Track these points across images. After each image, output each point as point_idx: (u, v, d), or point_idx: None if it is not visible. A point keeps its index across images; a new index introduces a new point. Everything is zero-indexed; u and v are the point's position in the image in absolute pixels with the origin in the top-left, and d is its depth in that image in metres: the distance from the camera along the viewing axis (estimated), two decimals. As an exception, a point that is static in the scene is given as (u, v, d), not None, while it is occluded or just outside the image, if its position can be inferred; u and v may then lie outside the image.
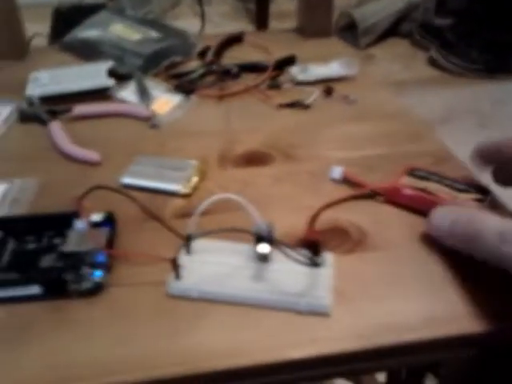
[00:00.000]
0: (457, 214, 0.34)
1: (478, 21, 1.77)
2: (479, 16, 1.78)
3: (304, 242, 0.34)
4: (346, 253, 0.35)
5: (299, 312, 0.31)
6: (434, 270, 0.34)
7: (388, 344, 0.30)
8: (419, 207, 0.37)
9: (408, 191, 0.37)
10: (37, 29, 0.66)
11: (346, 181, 0.41)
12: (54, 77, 0.54)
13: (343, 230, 0.37)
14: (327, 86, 0.53)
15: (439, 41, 1.82)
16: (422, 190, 0.37)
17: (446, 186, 0.37)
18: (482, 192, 0.37)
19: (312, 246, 0.33)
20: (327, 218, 0.38)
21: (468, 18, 1.81)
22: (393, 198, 0.38)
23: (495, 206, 0.38)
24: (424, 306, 0.31)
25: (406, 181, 0.38)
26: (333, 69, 0.56)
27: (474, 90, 1.68)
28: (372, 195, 0.39)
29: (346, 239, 0.36)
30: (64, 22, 1.35)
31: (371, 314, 0.31)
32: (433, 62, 1.82)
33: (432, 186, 0.37)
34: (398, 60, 1.87)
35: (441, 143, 0.46)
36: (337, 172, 0.41)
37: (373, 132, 0.48)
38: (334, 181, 0.41)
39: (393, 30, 1.99)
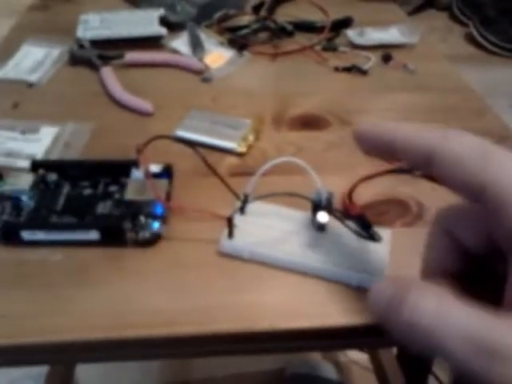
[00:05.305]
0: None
1: (524, -2, 1.70)
2: (525, -7, 1.71)
3: (350, 216, 0.33)
4: (406, 226, 0.34)
5: (349, 286, 0.30)
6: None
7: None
8: None
9: None
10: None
11: None
12: (105, 20, 0.52)
13: (402, 201, 0.36)
14: (386, 52, 0.51)
15: (479, 16, 1.75)
16: None
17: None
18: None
19: (360, 220, 0.32)
20: (386, 188, 0.37)
21: (513, -6, 1.74)
22: None
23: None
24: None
25: None
26: (392, 35, 0.54)
27: (510, 71, 1.63)
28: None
29: (405, 212, 0.35)
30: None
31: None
32: (470, 39, 1.75)
33: None
34: (434, 33, 1.81)
35: (502, 122, 0.44)
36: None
37: (431, 105, 0.46)
38: None
39: (431, 1, 1.92)
